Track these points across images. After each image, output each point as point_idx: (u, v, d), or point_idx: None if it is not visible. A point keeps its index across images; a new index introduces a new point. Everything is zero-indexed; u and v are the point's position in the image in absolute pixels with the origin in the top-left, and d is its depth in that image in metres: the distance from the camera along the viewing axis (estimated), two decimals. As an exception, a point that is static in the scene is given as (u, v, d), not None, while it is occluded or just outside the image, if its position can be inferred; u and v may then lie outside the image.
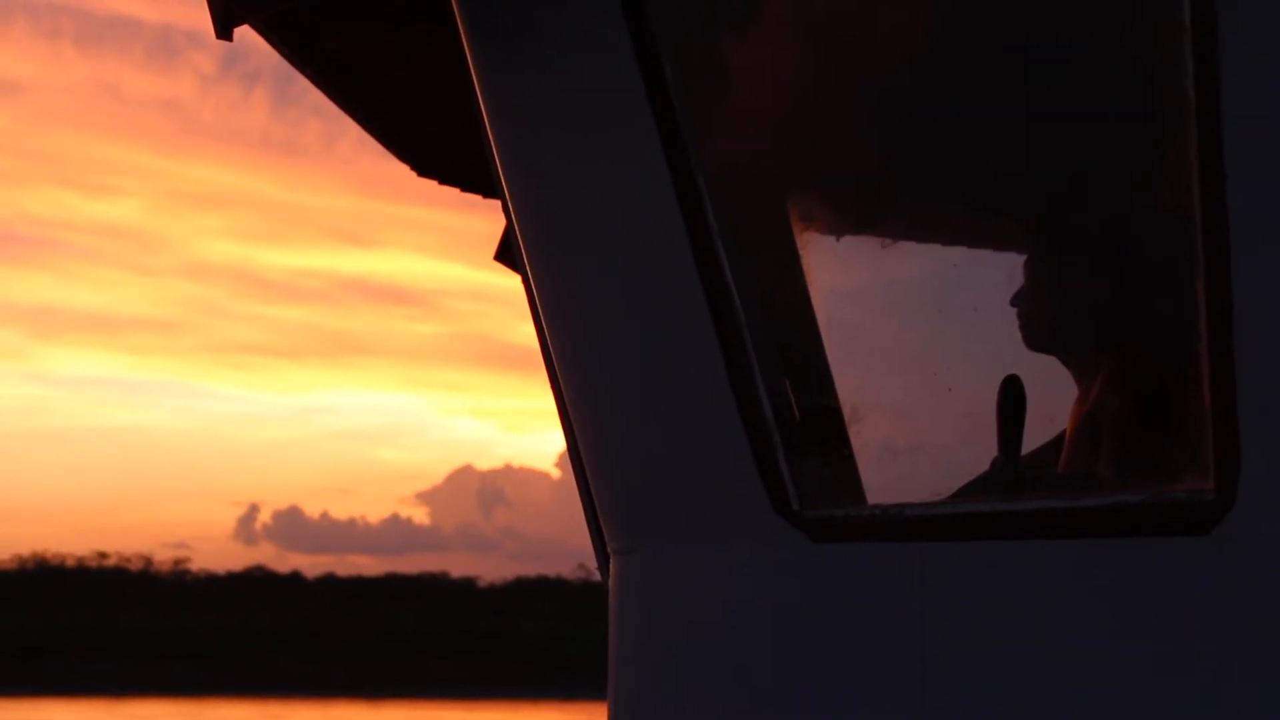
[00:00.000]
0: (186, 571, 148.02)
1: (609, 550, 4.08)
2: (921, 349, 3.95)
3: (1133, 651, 3.14)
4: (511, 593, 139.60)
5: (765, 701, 3.61)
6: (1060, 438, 3.86)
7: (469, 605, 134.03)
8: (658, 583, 3.89)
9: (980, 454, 3.68)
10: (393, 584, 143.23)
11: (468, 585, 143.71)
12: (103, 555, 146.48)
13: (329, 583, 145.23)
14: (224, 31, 4.19)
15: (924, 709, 3.35)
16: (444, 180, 5.87)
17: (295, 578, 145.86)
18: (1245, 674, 3.04)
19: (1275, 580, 3.04)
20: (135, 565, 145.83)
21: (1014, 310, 3.91)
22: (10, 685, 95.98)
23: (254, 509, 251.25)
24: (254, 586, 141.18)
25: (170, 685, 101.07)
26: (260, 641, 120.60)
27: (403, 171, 5.74)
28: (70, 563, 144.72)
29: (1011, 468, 3.66)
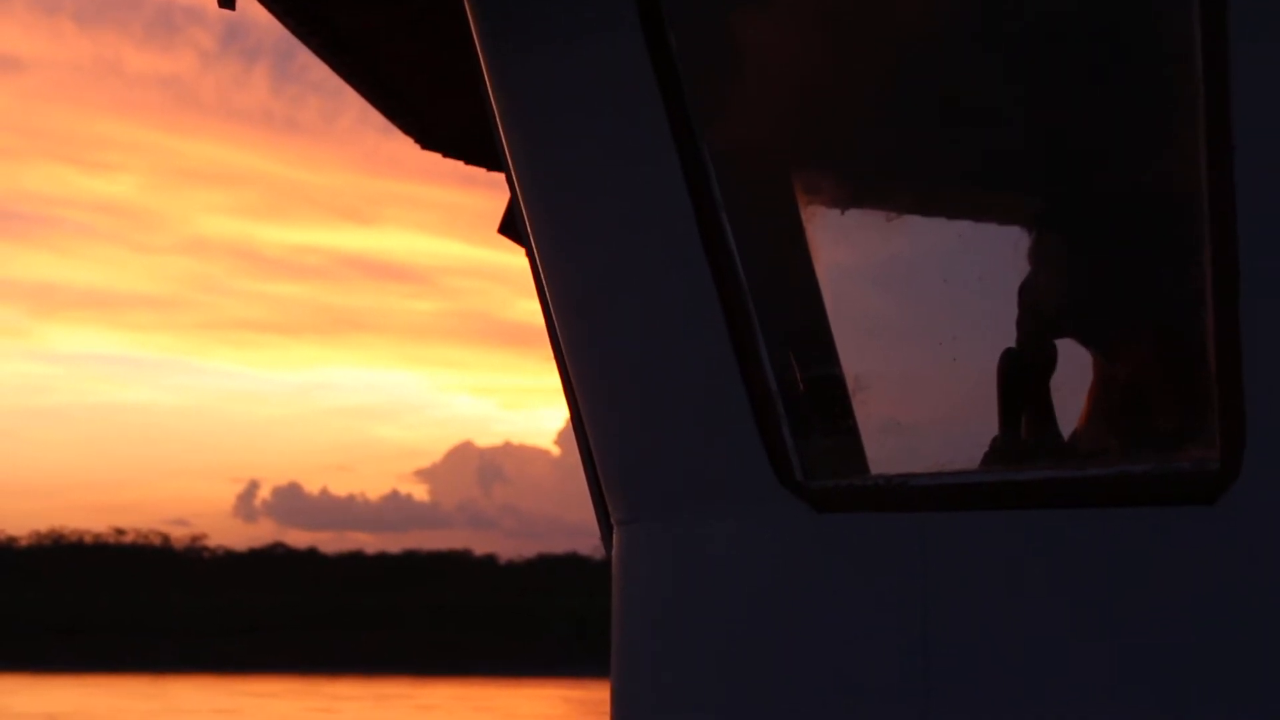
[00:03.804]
0: (204, 548, 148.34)
1: (613, 521, 4.09)
2: (925, 321, 3.96)
3: (1136, 619, 3.16)
4: (535, 570, 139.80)
5: (769, 671, 3.62)
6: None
7: (495, 582, 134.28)
8: (661, 553, 3.90)
9: (983, 425, 3.69)
10: (414, 561, 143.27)
11: (490, 562, 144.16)
12: (120, 531, 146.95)
13: (352, 559, 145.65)
14: (227, 1, 4.19)
15: (928, 677, 3.36)
16: (448, 153, 5.88)
17: (314, 554, 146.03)
18: (1246, 640, 3.06)
19: (1277, 549, 3.05)
20: (154, 541, 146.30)
21: (1022, 287, 3.91)
22: (51, 662, 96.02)
23: (254, 485, 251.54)
24: (276, 563, 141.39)
25: (214, 663, 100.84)
26: (298, 618, 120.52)
27: (403, 149, 5.77)
28: (88, 539, 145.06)
29: (1013, 438, 3.67)
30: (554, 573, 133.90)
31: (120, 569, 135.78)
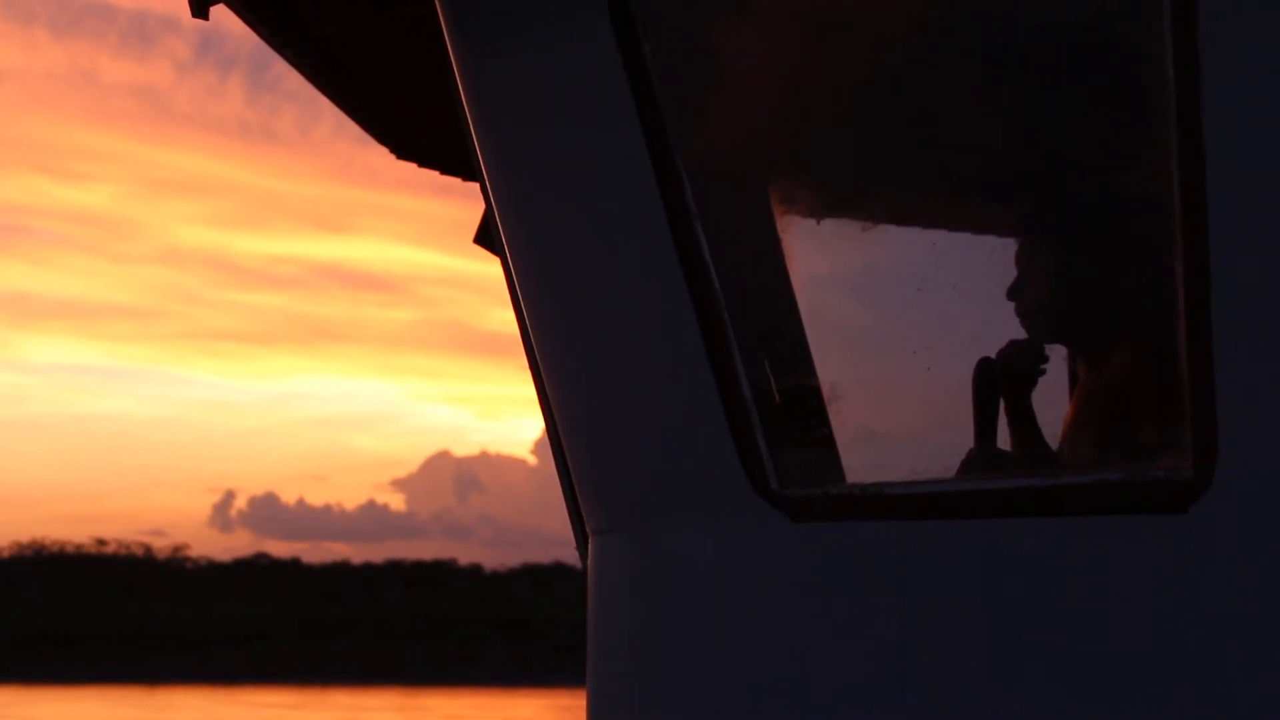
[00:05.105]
0: (187, 558, 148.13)
1: (588, 531, 4.08)
2: (901, 330, 3.96)
3: (1109, 628, 3.15)
4: (521, 579, 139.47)
5: (745, 682, 3.61)
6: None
7: (481, 591, 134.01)
8: (637, 563, 3.88)
9: (958, 434, 3.69)
10: (398, 571, 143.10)
11: (475, 571, 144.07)
12: (101, 542, 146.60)
13: (338, 569, 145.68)
14: (200, 11, 4.17)
15: (904, 687, 3.35)
16: (423, 163, 5.87)
17: (298, 564, 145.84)
18: (1218, 650, 3.05)
19: (1249, 559, 3.05)
20: (137, 552, 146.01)
21: (999, 296, 3.92)
22: (44, 674, 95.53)
23: (230, 496, 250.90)
24: (260, 573, 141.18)
25: (209, 674, 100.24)
26: (287, 629, 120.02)
27: (378, 158, 5.81)
28: (70, 549, 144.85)
29: (987, 447, 3.67)
30: (540, 582, 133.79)
31: (104, 579, 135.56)
